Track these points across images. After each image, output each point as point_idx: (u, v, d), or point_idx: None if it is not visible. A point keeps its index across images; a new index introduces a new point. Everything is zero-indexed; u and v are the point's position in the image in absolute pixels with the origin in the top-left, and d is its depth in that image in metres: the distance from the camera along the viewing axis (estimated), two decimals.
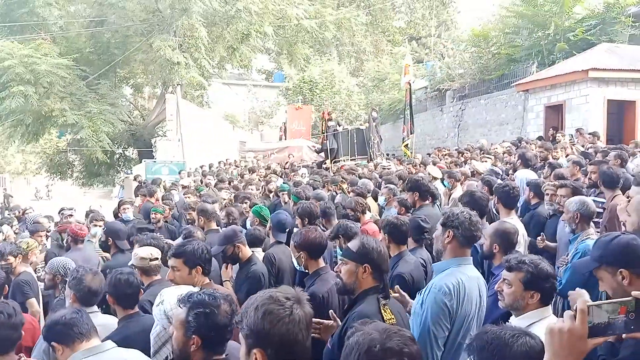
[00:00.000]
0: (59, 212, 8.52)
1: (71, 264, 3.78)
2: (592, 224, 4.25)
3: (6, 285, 3.53)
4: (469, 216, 2.88)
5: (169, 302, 2.23)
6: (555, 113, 14.52)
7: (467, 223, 2.84)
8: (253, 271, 3.86)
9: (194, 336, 1.94)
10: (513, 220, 4.40)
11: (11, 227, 7.77)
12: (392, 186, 6.31)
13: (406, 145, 15.08)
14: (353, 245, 2.65)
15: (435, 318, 2.66)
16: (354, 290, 2.59)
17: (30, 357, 2.98)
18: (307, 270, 3.41)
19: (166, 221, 7.03)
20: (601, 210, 5.02)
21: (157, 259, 3.64)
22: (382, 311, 2.45)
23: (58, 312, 2.53)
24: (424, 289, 2.89)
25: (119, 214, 7.53)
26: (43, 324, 3.39)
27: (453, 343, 2.73)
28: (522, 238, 4.42)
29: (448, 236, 2.86)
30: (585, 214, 4.09)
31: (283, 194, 7.71)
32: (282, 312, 1.56)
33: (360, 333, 1.43)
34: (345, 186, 7.78)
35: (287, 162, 17.08)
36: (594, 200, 5.32)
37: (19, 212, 9.26)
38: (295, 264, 3.49)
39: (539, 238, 4.72)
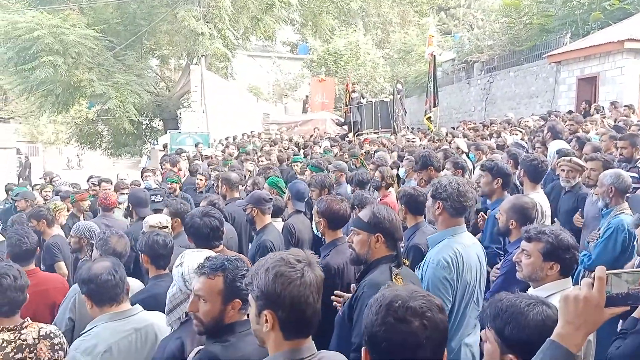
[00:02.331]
0: (87, 180, 8.74)
1: (96, 228, 3.89)
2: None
3: (37, 247, 3.62)
4: (457, 186, 2.85)
5: (187, 266, 2.24)
6: (588, 86, 14.04)
7: (456, 194, 2.82)
8: (263, 241, 3.93)
9: (236, 300, 1.97)
10: (538, 195, 4.27)
11: (40, 192, 8.01)
12: (412, 158, 6.22)
13: (429, 118, 14.81)
14: (364, 215, 2.60)
15: (436, 292, 2.65)
16: (368, 260, 2.56)
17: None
18: (324, 237, 3.41)
19: (181, 189, 7.20)
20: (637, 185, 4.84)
21: (166, 227, 3.73)
22: (394, 280, 2.41)
23: (98, 263, 2.50)
24: (422, 264, 2.91)
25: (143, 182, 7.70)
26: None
27: (458, 312, 2.77)
28: (548, 211, 4.32)
29: (438, 207, 2.87)
30: (621, 188, 3.91)
31: (295, 165, 7.79)
32: (294, 274, 1.54)
33: (389, 289, 1.41)
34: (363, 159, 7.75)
35: (311, 135, 17.05)
36: None
37: (48, 180, 9.54)
38: (314, 229, 3.50)
39: (576, 215, 4.55)
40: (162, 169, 9.73)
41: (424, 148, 7.90)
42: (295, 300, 1.53)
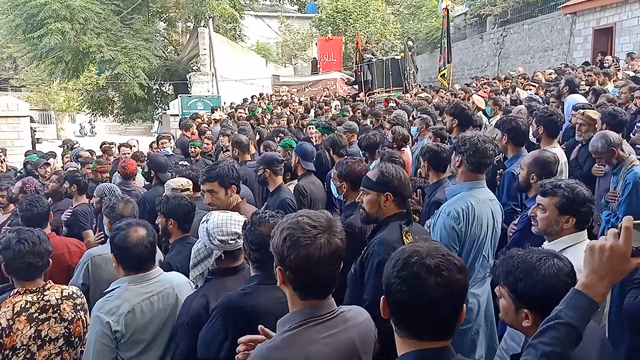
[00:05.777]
0: (100, 147, 8.83)
1: (117, 189, 3.94)
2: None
3: (50, 212, 3.65)
4: (476, 143, 2.84)
5: (212, 222, 2.30)
6: (604, 37, 13.66)
7: (473, 150, 2.83)
8: (283, 199, 3.97)
9: None
10: (555, 150, 4.23)
11: (62, 159, 8.14)
12: (425, 116, 6.16)
13: (443, 75, 14.55)
14: (372, 174, 2.61)
15: (444, 241, 2.74)
16: (378, 218, 2.58)
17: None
18: (344, 199, 3.38)
19: (205, 154, 7.19)
20: None
21: (188, 189, 3.77)
22: (404, 238, 2.42)
23: (134, 232, 2.46)
24: (434, 215, 2.96)
25: (158, 149, 7.69)
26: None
27: (465, 264, 2.79)
28: (564, 167, 4.27)
29: (458, 160, 2.91)
30: (615, 145, 3.79)
31: (311, 128, 7.74)
32: (303, 240, 1.52)
33: (413, 245, 1.41)
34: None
35: (321, 95, 16.90)
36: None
37: (68, 147, 9.68)
38: (335, 192, 3.50)
39: (595, 165, 4.48)
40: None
41: (435, 108, 7.82)
42: (302, 264, 1.52)
